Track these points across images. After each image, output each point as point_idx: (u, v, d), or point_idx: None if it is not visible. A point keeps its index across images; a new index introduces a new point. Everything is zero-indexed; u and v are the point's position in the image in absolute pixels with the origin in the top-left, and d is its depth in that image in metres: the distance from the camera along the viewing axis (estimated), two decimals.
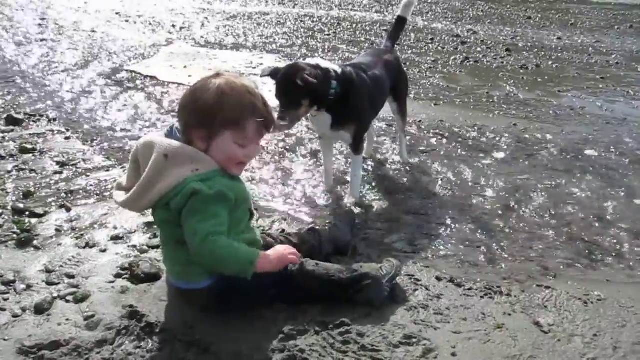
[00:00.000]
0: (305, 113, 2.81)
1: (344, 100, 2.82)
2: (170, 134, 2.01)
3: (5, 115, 4.26)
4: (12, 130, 4.03)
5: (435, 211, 3.03)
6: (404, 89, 3.62)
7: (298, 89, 2.63)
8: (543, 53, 7.60)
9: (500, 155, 3.89)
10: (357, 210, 2.99)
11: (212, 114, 1.91)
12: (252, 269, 1.89)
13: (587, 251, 2.69)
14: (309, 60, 2.87)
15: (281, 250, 2.08)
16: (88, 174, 3.33)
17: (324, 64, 2.83)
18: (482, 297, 2.23)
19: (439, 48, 7.73)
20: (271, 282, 2.02)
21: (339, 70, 2.84)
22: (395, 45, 3.78)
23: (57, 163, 3.46)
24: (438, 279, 2.35)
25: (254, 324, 1.99)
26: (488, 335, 1.99)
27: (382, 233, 2.76)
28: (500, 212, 3.05)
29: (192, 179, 1.84)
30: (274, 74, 2.80)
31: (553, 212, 3.07)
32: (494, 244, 2.71)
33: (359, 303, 2.09)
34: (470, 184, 3.40)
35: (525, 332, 2.02)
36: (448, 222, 2.92)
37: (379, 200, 3.14)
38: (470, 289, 2.28)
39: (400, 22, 3.64)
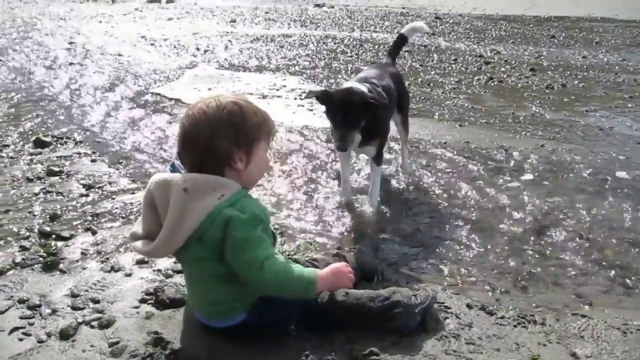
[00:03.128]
0: (358, 133, 2.94)
1: (371, 117, 2.92)
2: (174, 171, 1.94)
3: (33, 138, 4.33)
4: (40, 153, 4.09)
5: (462, 235, 2.97)
6: (407, 101, 3.80)
7: (360, 110, 2.81)
8: (568, 72, 7.49)
9: (528, 177, 3.80)
10: (382, 235, 2.94)
11: (256, 129, 1.94)
12: (314, 288, 1.89)
13: (622, 278, 2.58)
14: (346, 85, 3.06)
15: (338, 266, 2.06)
16: (114, 196, 3.34)
17: (360, 86, 2.96)
18: (515, 326, 2.15)
19: (462, 68, 7.68)
20: (301, 313, 1.99)
21: (366, 90, 2.93)
22: (395, 62, 3.95)
23: (84, 186, 3.49)
24: (469, 306, 2.28)
25: (280, 352, 1.95)
26: None
27: (409, 258, 2.71)
28: (530, 237, 2.97)
29: (222, 206, 1.79)
30: (324, 96, 2.91)
31: (585, 237, 2.97)
32: (525, 270, 2.63)
33: (388, 330, 2.03)
34: (498, 207, 3.33)
35: None
36: (476, 246, 2.85)
37: (404, 225, 3.09)
38: (502, 317, 2.21)
39: (402, 40, 3.91)
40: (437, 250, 2.81)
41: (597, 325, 2.17)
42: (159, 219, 1.84)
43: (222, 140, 1.87)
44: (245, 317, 1.95)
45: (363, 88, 2.96)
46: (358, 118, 2.86)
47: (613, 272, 2.63)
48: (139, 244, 1.88)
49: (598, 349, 2.02)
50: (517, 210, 3.27)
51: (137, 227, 1.93)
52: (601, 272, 2.63)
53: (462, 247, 2.85)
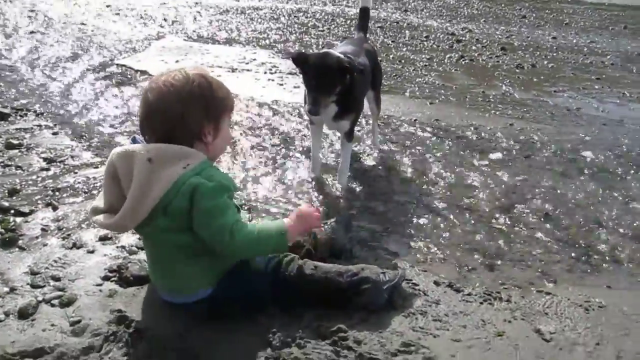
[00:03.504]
0: (332, 100, 2.88)
1: (347, 90, 2.88)
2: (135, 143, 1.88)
3: None
4: None
5: (431, 213, 2.97)
6: (380, 77, 3.78)
7: (335, 75, 2.76)
8: (538, 52, 7.56)
9: (497, 155, 3.83)
10: (351, 211, 2.92)
11: (223, 103, 1.93)
12: (286, 238, 1.88)
13: (586, 256, 2.64)
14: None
15: (302, 209, 2.01)
16: (76, 170, 3.24)
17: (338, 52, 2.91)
18: (481, 303, 2.18)
19: (434, 46, 7.67)
20: (268, 286, 1.97)
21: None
22: (366, 36, 3.90)
23: (44, 159, 3.36)
24: (436, 283, 2.29)
25: (247, 331, 1.92)
26: (489, 343, 1.94)
27: (378, 235, 2.70)
28: (497, 215, 3.00)
29: (187, 175, 1.74)
30: (300, 58, 2.86)
31: (551, 215, 3.02)
32: (492, 248, 2.66)
33: (356, 306, 2.03)
34: (466, 185, 3.35)
35: (527, 340, 1.96)
36: (445, 224, 2.86)
37: (373, 202, 3.08)
38: (469, 294, 2.23)
39: (365, 12, 3.85)
40: (406, 228, 2.81)
41: (561, 303, 2.21)
42: (122, 191, 1.78)
43: (193, 113, 1.83)
44: (211, 292, 1.91)
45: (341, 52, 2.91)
46: (333, 83, 2.80)
47: (577, 250, 2.68)
48: (101, 217, 1.80)
49: (561, 326, 2.06)
50: (485, 189, 3.29)
51: (99, 201, 1.85)
52: (566, 250, 2.68)
53: (430, 225, 2.85)
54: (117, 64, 5.85)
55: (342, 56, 2.84)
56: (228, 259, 1.92)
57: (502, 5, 12.64)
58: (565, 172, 3.62)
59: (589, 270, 2.52)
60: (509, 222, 2.93)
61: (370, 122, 3.97)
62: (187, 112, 1.82)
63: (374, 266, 2.13)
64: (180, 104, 1.81)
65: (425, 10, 11.17)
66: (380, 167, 3.55)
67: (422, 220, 2.89)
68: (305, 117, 3.89)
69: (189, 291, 1.92)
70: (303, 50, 2.96)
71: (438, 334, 1.96)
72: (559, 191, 3.32)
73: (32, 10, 8.87)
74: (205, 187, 1.74)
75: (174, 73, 1.87)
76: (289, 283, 1.99)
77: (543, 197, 3.22)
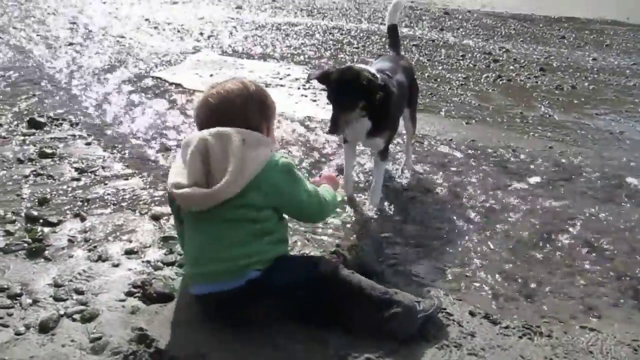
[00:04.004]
0: (356, 117, 2.75)
1: (382, 107, 2.77)
2: None
3: (28, 118, 4.20)
4: (34, 134, 3.96)
5: (467, 238, 2.85)
6: (416, 95, 3.68)
7: (357, 90, 2.63)
8: (578, 74, 7.35)
9: (536, 179, 3.68)
10: (383, 234, 2.82)
11: (272, 106, 2.21)
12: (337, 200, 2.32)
13: (633, 290, 2.47)
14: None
15: (325, 174, 2.56)
16: (106, 182, 3.22)
17: (370, 69, 2.79)
18: (520, 337, 2.04)
19: (470, 65, 7.54)
20: (303, 281, 1.92)
21: (379, 76, 2.76)
22: (400, 52, 3.84)
23: (76, 169, 3.36)
24: (472, 314, 2.17)
25: (271, 355, 1.84)
26: None
27: (410, 260, 2.59)
28: (536, 242, 2.85)
29: (277, 155, 1.99)
30: (323, 76, 2.77)
31: (594, 244, 2.86)
32: (531, 277, 2.51)
33: (384, 331, 1.92)
34: (504, 209, 3.21)
35: None
36: (481, 250, 2.73)
37: (405, 224, 2.97)
38: (507, 327, 2.10)
39: (393, 30, 3.77)
40: (440, 252, 2.69)
41: (607, 341, 2.07)
42: (207, 167, 1.90)
43: (254, 112, 2.08)
44: (258, 275, 1.89)
45: (371, 70, 2.79)
46: (354, 99, 2.66)
47: (623, 283, 2.51)
48: (191, 190, 1.86)
49: None
50: (524, 214, 3.15)
51: (179, 177, 1.91)
52: (611, 283, 2.52)
53: (466, 250, 2.73)
54: (152, 77, 5.91)
55: (365, 71, 2.69)
56: (282, 246, 2.04)
57: (541, 25, 12.43)
58: (608, 199, 3.45)
59: (636, 306, 2.35)
60: (548, 250, 2.78)
61: (405, 140, 3.85)
62: (248, 112, 2.06)
63: (408, 293, 2.03)
64: (243, 104, 2.06)
65: (461, 29, 11.05)
66: (413, 189, 3.44)
67: (456, 246, 2.76)
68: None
69: (236, 273, 1.88)
70: (327, 68, 2.84)
71: None
72: (602, 218, 3.16)
73: (73, 23, 9.09)
74: (292, 165, 2.03)
75: (230, 81, 2.13)
76: (323, 282, 1.93)
77: (585, 225, 3.06)
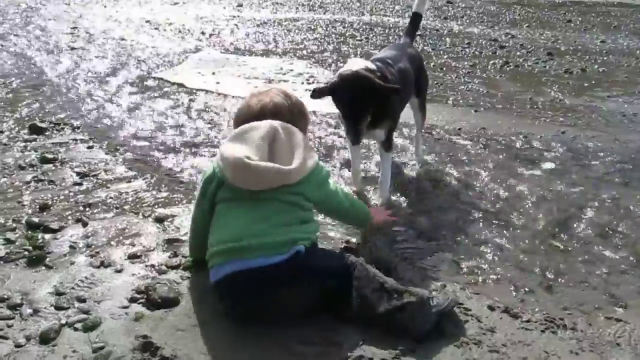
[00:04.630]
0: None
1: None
2: None
3: (29, 124, 4.14)
4: (35, 140, 3.89)
5: (481, 229, 2.75)
6: (425, 84, 3.56)
7: (368, 97, 2.57)
8: (587, 57, 7.19)
9: (550, 165, 3.56)
10: (395, 228, 2.72)
11: (309, 120, 2.47)
12: (368, 216, 2.48)
13: None
14: (350, 63, 2.75)
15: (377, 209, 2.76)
16: (108, 185, 3.15)
17: (367, 64, 2.69)
18: (542, 331, 1.94)
19: (476, 52, 7.40)
20: (337, 268, 1.96)
21: (376, 69, 2.67)
22: (413, 42, 3.73)
23: (78, 174, 3.29)
24: (490, 308, 2.07)
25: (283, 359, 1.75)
26: None
27: (425, 253, 2.49)
28: (554, 230, 2.74)
29: (321, 163, 2.22)
30: (330, 91, 2.64)
31: (614, 230, 2.75)
32: (550, 267, 2.41)
33: (398, 326, 1.84)
34: (519, 198, 3.10)
35: None
36: (497, 241, 2.63)
37: (417, 217, 2.87)
38: (528, 321, 2.00)
39: (416, 18, 3.62)
40: (455, 245, 2.59)
41: (634, 331, 1.96)
42: (272, 152, 2.04)
43: (298, 121, 2.26)
44: (302, 250, 1.92)
45: (369, 65, 2.68)
46: (368, 106, 2.60)
47: None
48: (270, 163, 1.97)
49: (637, 359, 1.81)
50: (539, 202, 3.04)
51: (247, 151, 1.98)
52: (634, 269, 2.41)
53: (481, 241, 2.63)
54: (154, 78, 5.83)
55: (369, 74, 2.59)
56: (316, 229, 2.16)
57: (545, 10, 12.24)
58: (625, 182, 3.33)
59: None
60: (567, 238, 2.68)
61: (414, 131, 3.74)
62: (294, 122, 2.20)
63: (420, 289, 1.94)
64: (289, 114, 2.24)
65: (465, 17, 10.89)
66: (424, 180, 3.34)
67: (470, 238, 2.66)
68: (342, 128, 3.72)
69: (284, 248, 1.89)
70: (329, 81, 2.73)
71: None
72: (620, 203, 3.04)
73: (74, 27, 9.02)
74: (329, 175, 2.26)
75: (273, 91, 2.32)
76: (351, 270, 1.96)
77: (604, 210, 2.95)
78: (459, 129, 4.25)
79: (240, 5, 12.54)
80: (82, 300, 2.07)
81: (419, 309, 1.85)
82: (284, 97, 2.29)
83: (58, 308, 2.02)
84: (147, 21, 9.87)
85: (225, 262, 1.90)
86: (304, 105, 2.39)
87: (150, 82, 5.65)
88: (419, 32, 8.62)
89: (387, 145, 2.95)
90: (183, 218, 2.72)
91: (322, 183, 2.17)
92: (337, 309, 1.95)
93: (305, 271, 1.90)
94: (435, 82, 5.72)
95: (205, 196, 2.11)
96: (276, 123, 2.12)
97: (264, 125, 2.10)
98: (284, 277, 1.86)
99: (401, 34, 8.43)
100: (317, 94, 2.65)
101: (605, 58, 7.17)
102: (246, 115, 2.25)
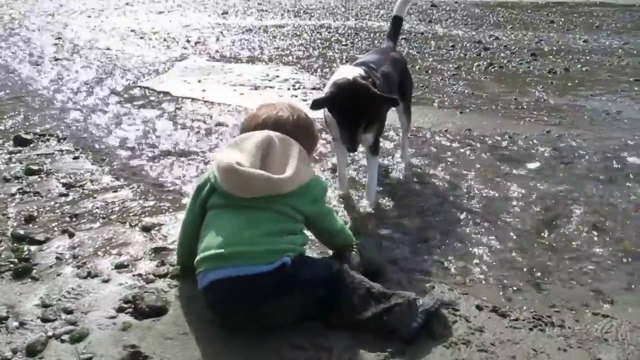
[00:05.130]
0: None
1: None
2: None
3: (13, 136, 4.11)
4: (20, 151, 3.86)
5: (468, 230, 2.76)
6: (410, 87, 3.58)
7: (365, 106, 2.58)
8: (570, 56, 7.28)
9: (535, 164, 3.59)
10: (382, 231, 2.73)
11: (316, 141, 2.48)
12: (352, 242, 2.30)
13: None
14: (342, 70, 2.80)
15: None
16: (95, 195, 3.13)
17: (359, 71, 2.70)
18: (531, 329, 1.95)
19: (461, 55, 7.46)
20: (326, 278, 1.93)
21: (367, 76, 2.68)
22: (397, 45, 3.74)
23: (64, 185, 3.27)
24: (479, 307, 2.08)
25: None
26: None
27: (411, 255, 2.50)
28: (541, 229, 2.77)
29: (318, 177, 2.21)
30: (329, 102, 2.63)
31: (600, 227, 2.77)
32: (537, 266, 2.42)
33: (387, 329, 1.85)
34: (505, 197, 3.12)
35: None
36: (484, 241, 2.64)
37: (404, 219, 2.88)
38: (516, 319, 2.01)
39: (397, 21, 3.66)
40: (442, 246, 2.60)
41: (621, 327, 1.98)
42: (265, 162, 2.02)
43: (301, 137, 2.21)
44: (288, 262, 1.88)
45: (360, 72, 2.70)
46: (366, 114, 2.61)
47: (634, 265, 2.43)
48: (261, 171, 1.95)
49: (624, 354, 1.83)
50: (525, 201, 3.06)
51: (239, 157, 1.99)
52: (620, 265, 2.43)
53: (468, 242, 2.64)
54: (140, 86, 5.82)
55: (366, 83, 2.59)
56: (305, 242, 2.09)
57: (529, 11, 12.38)
58: (610, 180, 3.37)
59: None
60: (553, 236, 2.70)
61: (400, 134, 3.76)
62: (297, 138, 2.17)
63: (407, 291, 1.95)
64: (292, 129, 2.21)
65: (450, 20, 10.98)
66: (411, 182, 3.35)
67: (458, 238, 2.67)
68: (328, 133, 3.72)
69: (270, 259, 1.86)
70: (326, 92, 2.72)
71: None
72: (606, 200, 3.07)
73: (58, 38, 8.99)
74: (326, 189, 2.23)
75: (280, 105, 2.33)
76: (338, 280, 1.95)
77: (589, 208, 2.98)
78: (445, 130, 4.27)
79: (225, 12, 12.57)
80: (69, 311, 2.05)
81: (407, 310, 1.86)
82: (291, 111, 2.29)
83: (45, 320, 2.00)
84: (132, 30, 9.86)
85: (211, 268, 1.88)
86: (312, 123, 2.38)
87: (136, 92, 5.64)
88: (403, 36, 8.71)
89: (374, 149, 2.95)
90: (170, 226, 2.71)
91: (317, 199, 2.13)
92: (326, 316, 1.95)
93: (292, 283, 1.87)
94: (421, 84, 5.76)
95: (196, 201, 2.11)
96: (273, 133, 2.12)
97: (260, 134, 2.10)
98: (268, 288, 1.84)
99: (385, 37, 8.49)
100: (316, 105, 2.63)
101: (588, 57, 7.25)
102: (249, 125, 2.27)
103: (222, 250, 1.87)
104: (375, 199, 3.02)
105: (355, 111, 2.58)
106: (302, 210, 2.05)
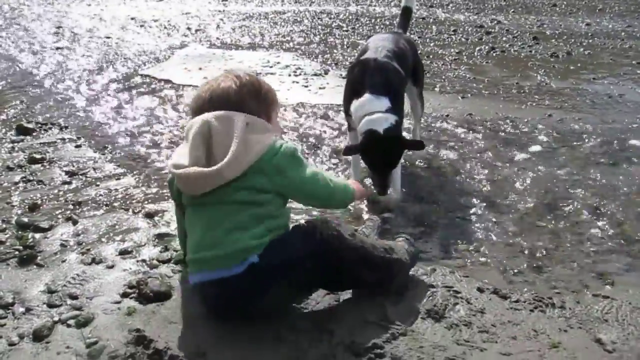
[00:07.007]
0: None
1: None
2: None
3: (15, 125, 4.12)
4: (22, 140, 3.88)
5: (470, 213, 2.77)
6: (422, 72, 3.55)
7: (399, 154, 2.71)
8: (573, 40, 7.24)
9: (537, 148, 3.59)
10: (385, 214, 2.74)
11: (269, 96, 2.14)
12: (352, 195, 2.17)
13: None
14: (369, 104, 2.71)
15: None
16: (98, 183, 3.15)
17: (391, 118, 2.66)
18: (531, 310, 1.97)
19: (463, 39, 7.42)
20: (309, 252, 1.83)
21: (397, 118, 2.72)
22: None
23: (67, 173, 3.28)
24: (480, 290, 2.09)
25: (275, 348, 1.77)
26: (543, 356, 1.73)
27: (414, 238, 2.49)
28: (542, 212, 2.77)
29: (280, 142, 1.94)
30: (363, 150, 2.68)
31: (601, 210, 2.78)
32: (539, 248, 2.44)
33: (389, 289, 2.02)
34: (506, 181, 3.13)
35: (586, 352, 1.75)
36: (485, 224, 2.66)
37: (407, 203, 2.89)
38: (517, 301, 2.02)
39: (407, 12, 3.66)
40: (444, 229, 2.61)
41: (622, 307, 1.99)
42: (209, 149, 1.89)
43: (250, 102, 2.04)
44: (256, 259, 1.79)
45: (390, 120, 2.65)
46: (396, 162, 2.73)
47: (634, 247, 2.44)
48: (193, 169, 1.84)
49: (624, 334, 1.84)
50: (527, 184, 3.07)
51: (180, 158, 1.90)
52: (621, 248, 2.44)
53: (470, 225, 2.65)
54: (140, 74, 5.81)
55: (400, 134, 2.72)
56: (282, 224, 1.94)
57: None
58: (612, 163, 3.37)
59: None
60: (555, 219, 2.71)
61: (411, 120, 3.71)
62: (244, 105, 2.01)
63: (401, 250, 2.09)
64: (238, 99, 2.01)
65: (451, 5, 10.91)
66: (413, 167, 3.36)
67: (460, 221, 2.69)
68: (343, 119, 3.71)
69: (238, 258, 1.79)
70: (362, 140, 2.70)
71: (485, 347, 1.77)
72: (608, 183, 3.08)
73: (58, 27, 8.97)
74: (298, 150, 1.98)
75: (222, 76, 2.12)
76: (328, 249, 1.84)
77: (591, 191, 2.98)
78: (447, 115, 4.27)
79: None
80: (74, 297, 2.07)
81: (403, 274, 2.08)
82: (233, 79, 2.07)
83: (50, 306, 2.02)
84: (133, 18, 9.83)
85: (193, 271, 1.90)
86: (261, 83, 2.14)
87: (137, 80, 5.63)
88: None
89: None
90: (173, 213, 2.71)
91: (282, 169, 1.90)
92: (325, 283, 1.95)
93: (267, 278, 1.81)
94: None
95: (174, 197, 2.12)
96: (209, 115, 1.94)
97: (198, 121, 1.94)
98: (247, 288, 1.81)
99: (387, 23, 8.45)
100: (349, 151, 2.77)
101: (590, 41, 7.21)
102: (195, 107, 2.09)
103: (196, 255, 1.88)
104: (401, 196, 2.95)
105: (387, 162, 2.68)
106: (266, 188, 1.88)
